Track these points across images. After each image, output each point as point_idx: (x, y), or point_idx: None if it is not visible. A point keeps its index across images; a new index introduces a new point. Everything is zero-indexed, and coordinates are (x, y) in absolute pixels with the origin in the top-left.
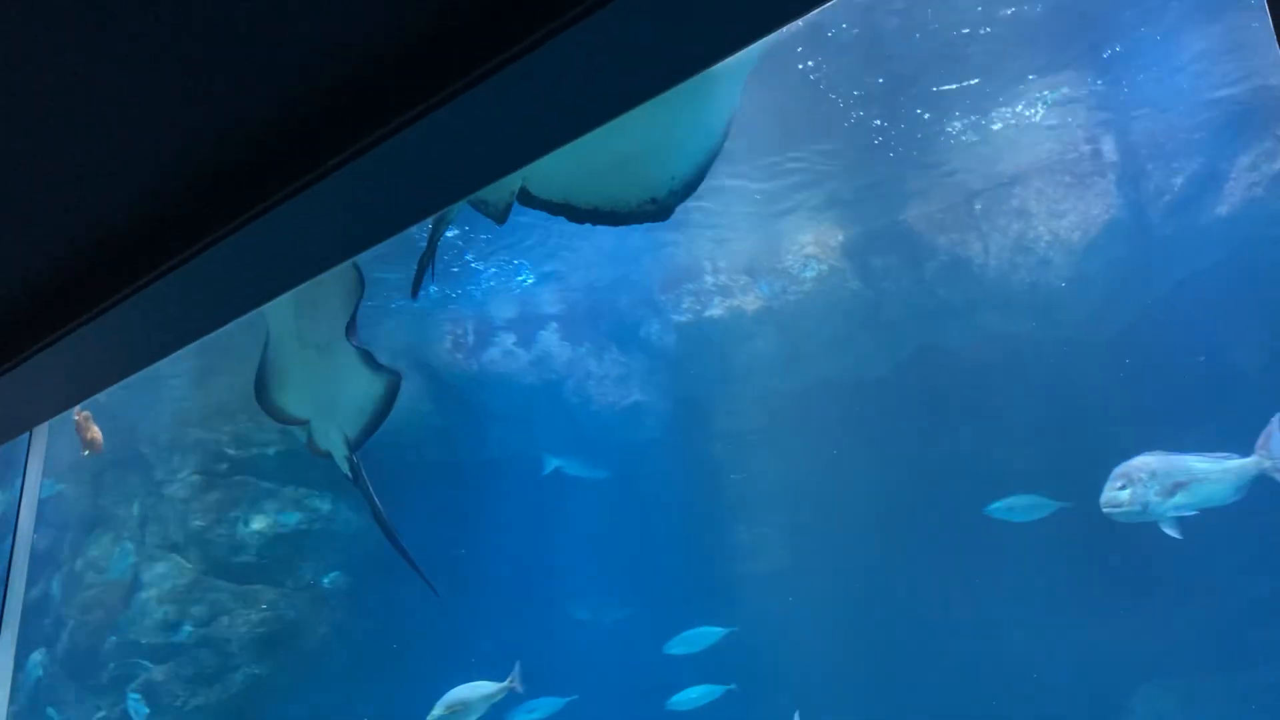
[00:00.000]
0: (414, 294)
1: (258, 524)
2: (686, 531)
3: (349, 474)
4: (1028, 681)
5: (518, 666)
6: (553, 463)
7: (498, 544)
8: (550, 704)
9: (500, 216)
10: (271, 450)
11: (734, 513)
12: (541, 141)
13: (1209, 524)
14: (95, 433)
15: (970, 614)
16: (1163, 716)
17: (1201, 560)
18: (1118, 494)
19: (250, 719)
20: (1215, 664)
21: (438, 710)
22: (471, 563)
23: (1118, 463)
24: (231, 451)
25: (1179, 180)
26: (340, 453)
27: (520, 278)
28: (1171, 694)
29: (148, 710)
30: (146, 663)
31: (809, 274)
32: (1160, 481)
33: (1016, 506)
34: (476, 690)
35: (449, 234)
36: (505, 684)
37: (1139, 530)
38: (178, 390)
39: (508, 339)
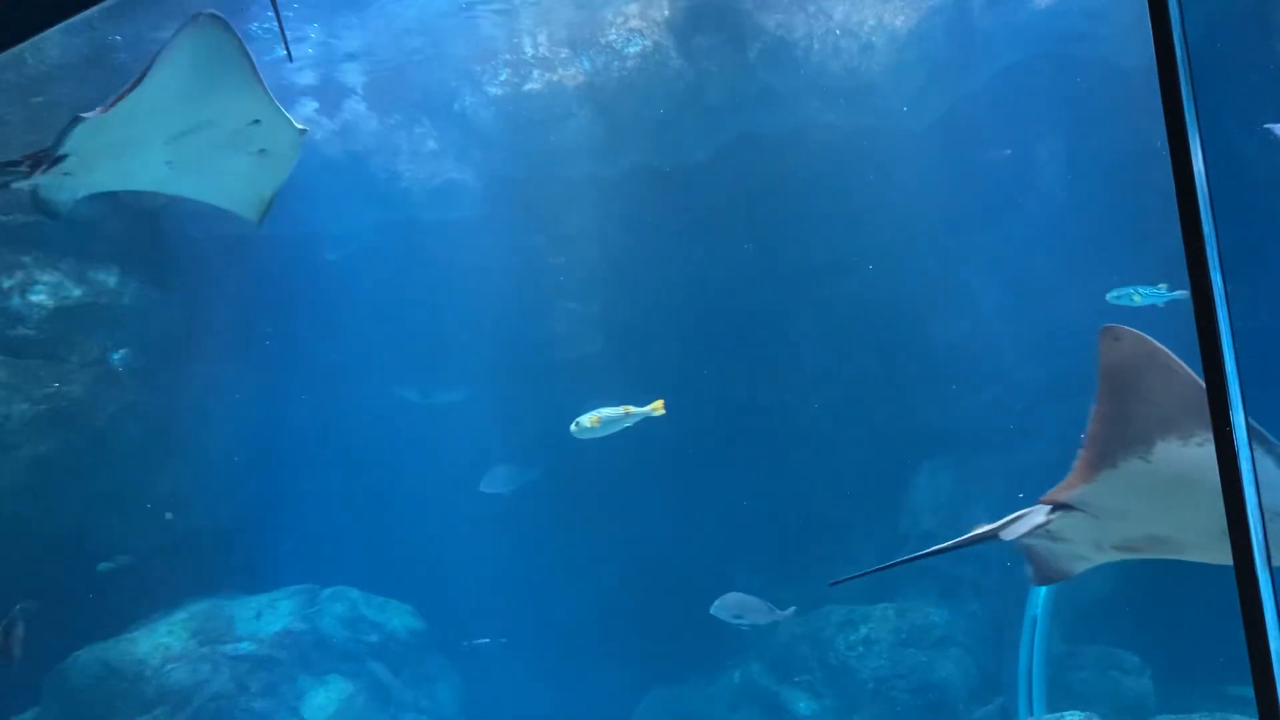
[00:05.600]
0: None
1: (36, 296)
2: (505, 315)
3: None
4: (826, 458)
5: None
6: None
7: (305, 321)
8: None
9: None
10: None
11: (550, 298)
12: None
13: (999, 322)
14: None
15: (775, 397)
16: (939, 489)
17: (986, 351)
18: None
19: (38, 498)
20: (993, 443)
21: None
22: (280, 339)
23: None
24: (2, 218)
25: None
26: None
27: (321, 42)
28: (948, 469)
29: None
30: None
31: (632, 49)
32: None
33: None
34: None
35: None
36: None
37: (934, 328)
38: None
39: (308, 105)
